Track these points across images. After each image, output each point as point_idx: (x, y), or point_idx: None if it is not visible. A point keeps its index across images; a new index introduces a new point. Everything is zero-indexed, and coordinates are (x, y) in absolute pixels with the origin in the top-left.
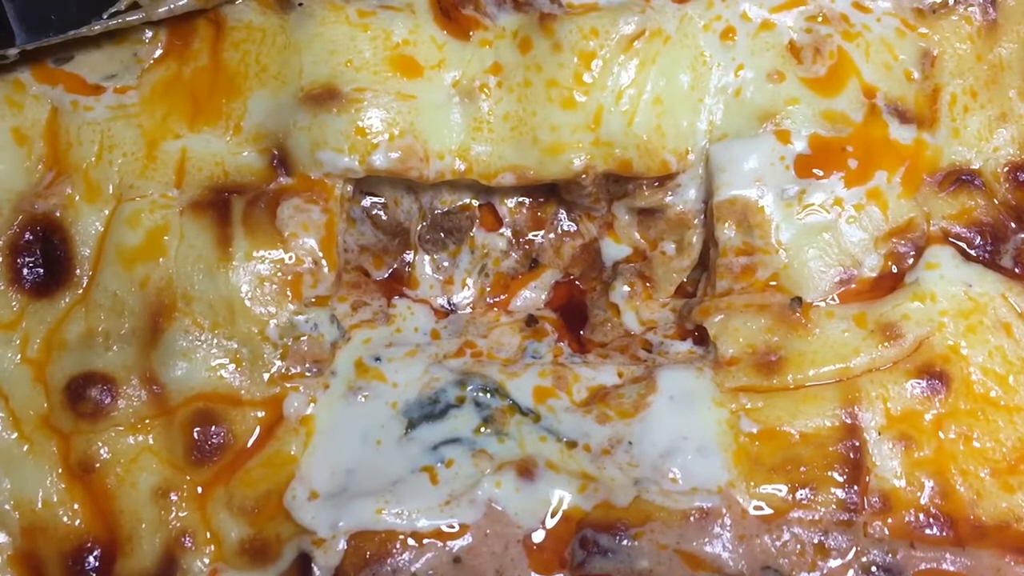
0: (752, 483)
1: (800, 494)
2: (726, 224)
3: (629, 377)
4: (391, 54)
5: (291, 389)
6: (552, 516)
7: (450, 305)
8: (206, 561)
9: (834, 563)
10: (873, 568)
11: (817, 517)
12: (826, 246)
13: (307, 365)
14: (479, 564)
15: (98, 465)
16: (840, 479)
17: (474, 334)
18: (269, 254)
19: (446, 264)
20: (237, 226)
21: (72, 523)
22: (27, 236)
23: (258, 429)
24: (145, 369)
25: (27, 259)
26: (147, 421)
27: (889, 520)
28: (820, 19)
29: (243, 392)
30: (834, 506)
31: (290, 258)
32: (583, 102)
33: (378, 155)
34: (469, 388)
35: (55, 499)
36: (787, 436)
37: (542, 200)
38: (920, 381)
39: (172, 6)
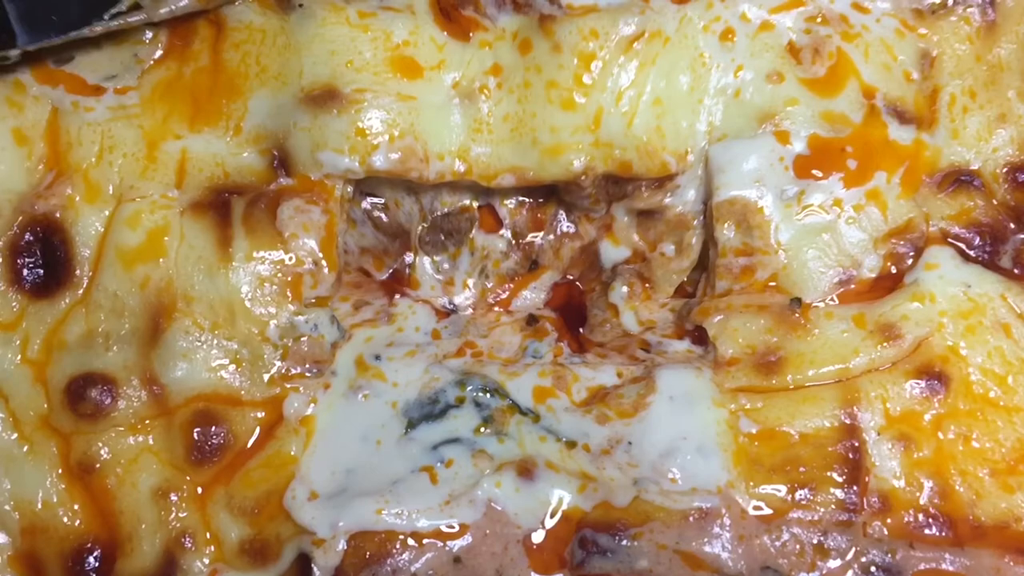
0: (751, 483)
1: (799, 494)
2: (725, 225)
3: (629, 377)
4: (391, 55)
5: (291, 390)
6: (552, 516)
7: (451, 305)
8: (206, 561)
9: (833, 563)
10: (872, 568)
11: (816, 517)
12: (825, 247)
13: (307, 366)
14: (479, 564)
15: (98, 465)
16: (839, 479)
17: (474, 334)
18: (269, 255)
19: (446, 266)
20: (237, 227)
21: (72, 523)
22: (27, 237)
23: (258, 429)
24: (145, 370)
25: (27, 260)
26: (147, 421)
27: (888, 520)
28: (819, 20)
29: (243, 392)
30: (833, 506)
31: (290, 259)
32: (583, 103)
33: (378, 156)
34: (469, 388)
35: (55, 499)
36: (786, 436)
37: (542, 201)
38: (919, 381)
39: (173, 7)
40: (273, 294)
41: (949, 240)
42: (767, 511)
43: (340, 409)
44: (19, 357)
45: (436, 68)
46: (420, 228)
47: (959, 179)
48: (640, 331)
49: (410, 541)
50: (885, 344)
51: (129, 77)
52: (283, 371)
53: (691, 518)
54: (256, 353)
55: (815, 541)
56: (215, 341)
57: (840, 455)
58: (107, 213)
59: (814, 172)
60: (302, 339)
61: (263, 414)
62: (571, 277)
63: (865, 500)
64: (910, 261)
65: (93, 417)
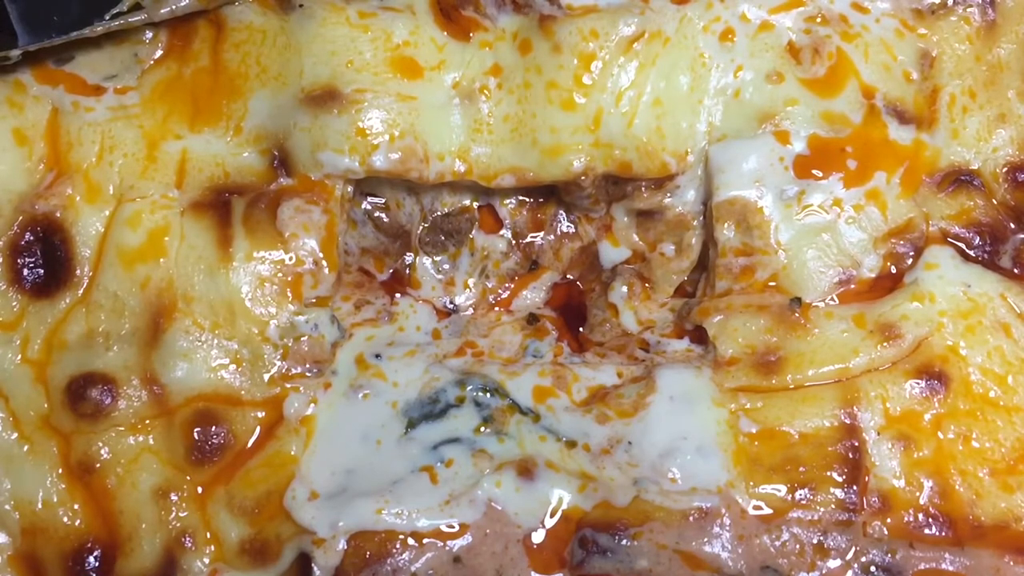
0: (751, 483)
1: (799, 494)
2: (725, 225)
3: (628, 377)
4: (391, 55)
5: (291, 389)
6: (552, 516)
7: (452, 305)
8: (206, 561)
9: (833, 563)
10: (872, 568)
11: (816, 517)
12: (825, 247)
13: (307, 366)
14: (479, 564)
15: (98, 465)
16: (839, 479)
17: (475, 334)
18: (269, 255)
19: (447, 266)
20: (237, 227)
21: (72, 523)
22: (27, 236)
23: (258, 429)
24: (145, 369)
25: (27, 259)
26: (147, 421)
27: (888, 520)
28: (819, 20)
29: (243, 392)
30: (833, 506)
31: (290, 259)
32: (583, 104)
33: (378, 156)
34: (469, 388)
35: (55, 499)
36: (786, 436)
37: (542, 201)
38: (919, 381)
39: (174, 7)
40: (273, 294)
41: (949, 240)
42: (767, 511)
43: (340, 409)
44: (19, 357)
45: (436, 68)
46: (420, 228)
47: (959, 179)
48: (639, 331)
49: (410, 541)
50: (885, 344)
51: (129, 77)
52: (283, 371)
53: (691, 518)
54: (256, 353)
55: (815, 541)
56: (215, 341)
57: (840, 455)
58: (107, 213)
59: (814, 172)
60: (302, 339)
61: (263, 414)
62: (571, 277)
63: (865, 500)
64: (910, 261)
65: (93, 417)
